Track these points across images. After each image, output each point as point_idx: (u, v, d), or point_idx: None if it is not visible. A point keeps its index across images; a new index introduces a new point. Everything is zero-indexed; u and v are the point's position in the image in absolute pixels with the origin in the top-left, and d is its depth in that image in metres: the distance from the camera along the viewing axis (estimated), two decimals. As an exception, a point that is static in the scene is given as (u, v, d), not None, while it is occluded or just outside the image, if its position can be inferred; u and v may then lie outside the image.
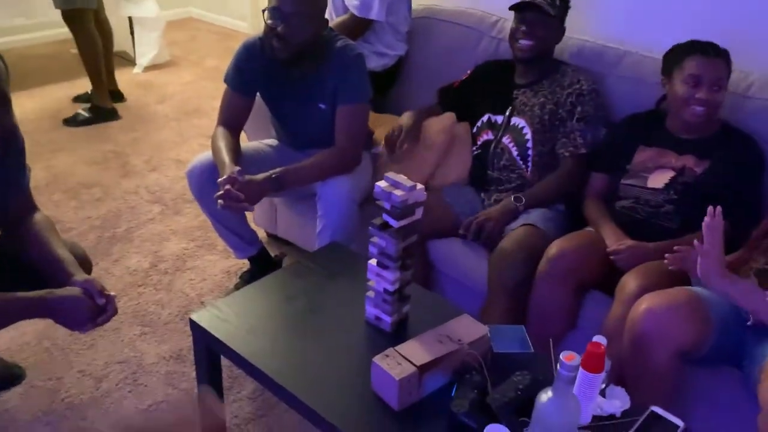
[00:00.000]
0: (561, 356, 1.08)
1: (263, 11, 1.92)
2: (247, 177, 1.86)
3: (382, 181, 1.42)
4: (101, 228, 2.67)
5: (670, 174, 1.85)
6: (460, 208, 2.15)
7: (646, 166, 1.90)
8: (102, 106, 3.54)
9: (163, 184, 3.01)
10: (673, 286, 1.57)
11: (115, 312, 1.53)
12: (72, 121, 3.48)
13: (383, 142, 2.23)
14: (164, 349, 2.09)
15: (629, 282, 1.66)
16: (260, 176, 1.91)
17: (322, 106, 2.05)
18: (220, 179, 1.84)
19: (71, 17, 3.32)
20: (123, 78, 4.09)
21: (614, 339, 1.60)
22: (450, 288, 2.14)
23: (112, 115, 3.57)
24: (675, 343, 1.49)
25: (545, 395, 1.12)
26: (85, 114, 3.50)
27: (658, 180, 1.87)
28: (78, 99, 3.72)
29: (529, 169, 2.10)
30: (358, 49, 2.04)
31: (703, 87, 1.76)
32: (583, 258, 1.75)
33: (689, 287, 1.57)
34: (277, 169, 1.94)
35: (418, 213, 1.45)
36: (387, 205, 1.42)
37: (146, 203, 2.87)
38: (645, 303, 1.53)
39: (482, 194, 2.18)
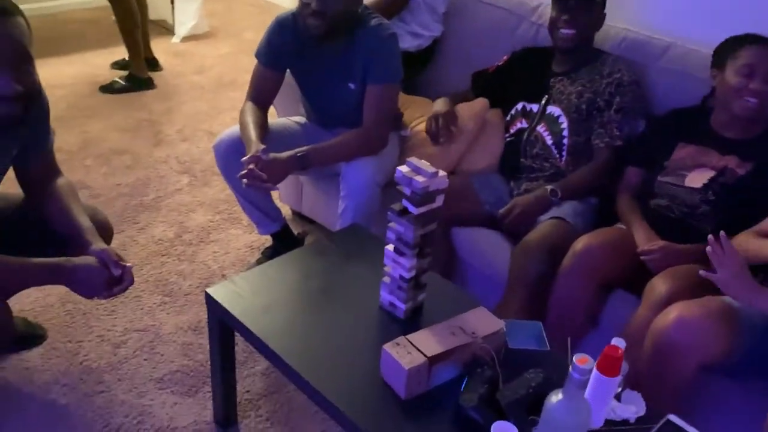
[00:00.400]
0: (574, 359, 1.04)
1: None
2: (272, 155, 1.85)
3: (404, 166, 1.39)
4: (129, 195, 2.69)
5: (710, 174, 1.77)
6: (487, 196, 2.11)
7: (686, 164, 1.82)
8: (138, 75, 3.57)
9: (194, 155, 3.02)
10: (704, 291, 1.51)
11: (131, 283, 1.54)
12: (108, 89, 3.51)
13: (425, 134, 2.18)
14: (182, 320, 2.10)
15: (658, 285, 1.60)
16: (285, 154, 1.89)
17: (352, 85, 2.02)
18: (244, 158, 1.83)
19: None
20: (161, 47, 4.12)
21: (637, 342, 1.55)
22: (473, 278, 2.10)
23: (148, 84, 3.60)
24: (701, 356, 1.43)
25: (555, 397, 1.09)
26: (122, 82, 3.53)
27: (697, 179, 1.79)
28: (116, 65, 3.75)
29: (563, 158, 2.04)
30: (391, 28, 1.99)
31: (757, 78, 1.68)
32: (609, 255, 1.69)
33: (722, 296, 1.50)
34: (303, 148, 1.92)
35: (439, 200, 1.41)
36: (407, 191, 1.38)
37: (175, 173, 2.88)
38: (676, 311, 1.46)
39: (512, 182, 2.13)
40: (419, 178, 1.35)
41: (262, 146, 1.85)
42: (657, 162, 1.88)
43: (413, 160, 1.39)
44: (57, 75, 3.64)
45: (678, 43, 2.09)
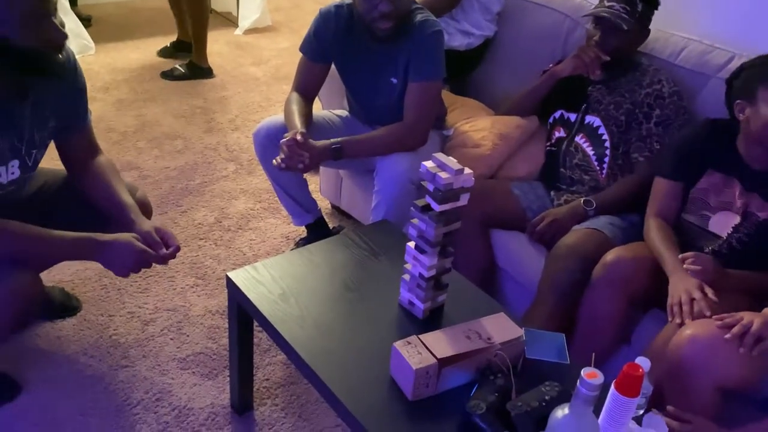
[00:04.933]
0: (582, 373, 0.98)
1: None
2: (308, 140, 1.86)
3: (429, 161, 1.36)
4: (176, 179, 2.75)
5: (735, 220, 1.63)
6: (529, 203, 2.04)
7: (709, 198, 1.67)
8: (199, 64, 3.65)
9: (242, 144, 3.06)
10: (733, 310, 1.41)
11: (165, 261, 1.58)
12: (169, 75, 3.61)
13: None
14: (212, 304, 2.12)
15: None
16: (320, 143, 1.89)
17: (394, 80, 2.00)
18: (282, 140, 1.84)
19: None
20: (224, 38, 4.21)
21: (661, 360, 1.46)
22: (507, 284, 2.04)
23: (207, 74, 3.68)
24: (717, 379, 1.34)
25: (561, 412, 1.03)
26: (182, 69, 3.62)
27: (721, 225, 1.65)
28: (161, 52, 3.82)
29: (604, 172, 1.96)
30: (438, 25, 1.95)
31: None
32: (641, 270, 1.60)
33: (749, 314, 1.39)
34: (338, 139, 1.91)
35: (464, 199, 1.37)
36: (430, 187, 1.35)
37: (223, 160, 2.93)
38: (690, 329, 1.38)
39: (552, 192, 2.06)
40: (443, 175, 1.32)
41: (302, 130, 1.86)
42: (688, 180, 1.72)
43: (440, 155, 1.36)
44: (123, 59, 3.77)
45: (743, 54, 1.97)
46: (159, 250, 1.57)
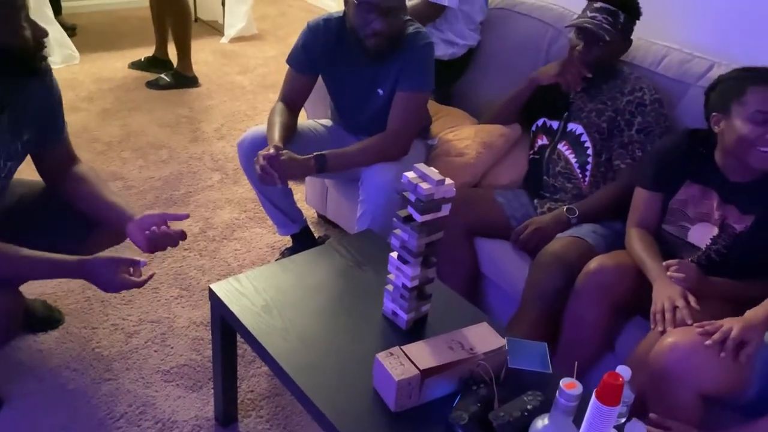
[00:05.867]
0: (561, 383, 0.99)
1: (358, 4, 1.84)
2: (287, 152, 1.86)
3: (411, 172, 1.36)
4: (161, 189, 2.74)
5: (713, 232, 1.64)
6: (512, 211, 2.05)
7: (687, 209, 1.68)
8: (184, 73, 3.64)
9: (228, 154, 3.06)
10: (715, 318, 1.42)
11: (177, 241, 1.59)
12: (154, 85, 3.60)
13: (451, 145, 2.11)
14: (196, 315, 2.11)
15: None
16: (303, 157, 1.89)
17: (380, 92, 2.01)
18: (257, 156, 1.84)
19: None
20: (209, 47, 4.21)
21: (643, 368, 1.47)
22: (492, 292, 2.05)
23: (192, 83, 3.67)
24: (699, 386, 1.35)
25: (541, 422, 1.03)
26: (167, 79, 3.61)
27: (699, 236, 1.66)
28: (134, 65, 3.79)
29: (586, 179, 1.97)
30: (429, 37, 1.97)
31: None
32: (624, 278, 1.61)
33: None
34: (322, 152, 1.92)
35: (445, 210, 1.37)
36: (412, 198, 1.35)
37: (208, 170, 2.92)
38: (672, 336, 1.39)
39: (536, 200, 2.07)
40: (424, 185, 1.32)
41: (278, 145, 1.85)
42: (667, 191, 1.72)
43: (421, 166, 1.36)
44: (108, 69, 3.75)
45: (722, 62, 1.99)
46: (169, 221, 1.57)
